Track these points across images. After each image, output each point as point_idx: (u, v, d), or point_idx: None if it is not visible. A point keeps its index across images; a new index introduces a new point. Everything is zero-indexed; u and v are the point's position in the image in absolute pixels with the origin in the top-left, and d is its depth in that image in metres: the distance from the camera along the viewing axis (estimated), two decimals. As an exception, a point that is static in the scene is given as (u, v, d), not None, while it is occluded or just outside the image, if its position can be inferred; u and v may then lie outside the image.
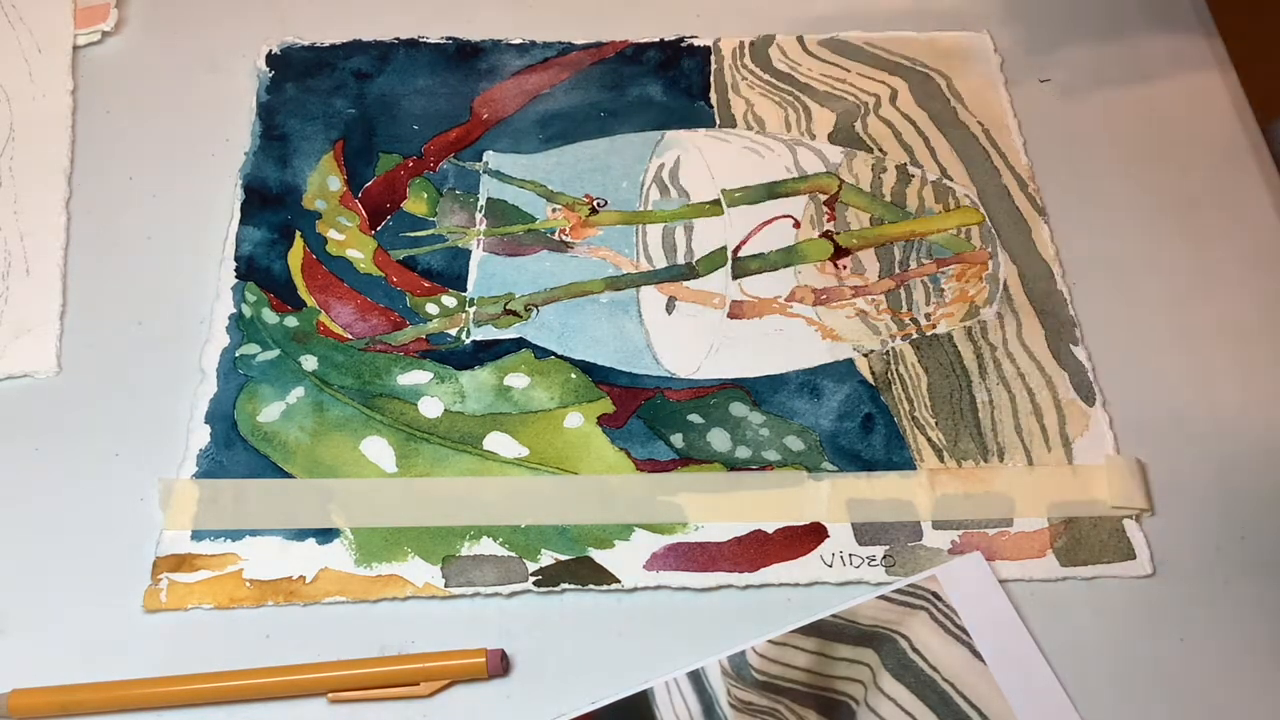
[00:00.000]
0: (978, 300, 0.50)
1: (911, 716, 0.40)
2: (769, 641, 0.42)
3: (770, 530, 0.44)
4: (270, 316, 0.50)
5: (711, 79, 0.57)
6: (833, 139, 0.55)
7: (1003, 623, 0.42)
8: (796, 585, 0.43)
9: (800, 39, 0.58)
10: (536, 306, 0.50)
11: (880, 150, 0.55)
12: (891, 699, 0.41)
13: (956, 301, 0.50)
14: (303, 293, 0.50)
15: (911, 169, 0.54)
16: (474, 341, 0.49)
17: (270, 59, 0.57)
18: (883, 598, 0.42)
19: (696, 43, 0.58)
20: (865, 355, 0.49)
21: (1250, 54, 0.58)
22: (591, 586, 0.43)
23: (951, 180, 0.54)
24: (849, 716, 0.41)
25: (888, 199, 0.53)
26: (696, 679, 0.41)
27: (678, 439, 0.46)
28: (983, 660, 0.41)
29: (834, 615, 0.42)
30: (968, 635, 0.42)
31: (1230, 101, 0.56)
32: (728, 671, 0.41)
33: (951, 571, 0.43)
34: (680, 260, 0.51)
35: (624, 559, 0.44)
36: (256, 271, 0.51)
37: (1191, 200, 0.53)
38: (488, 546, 0.44)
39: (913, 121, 0.56)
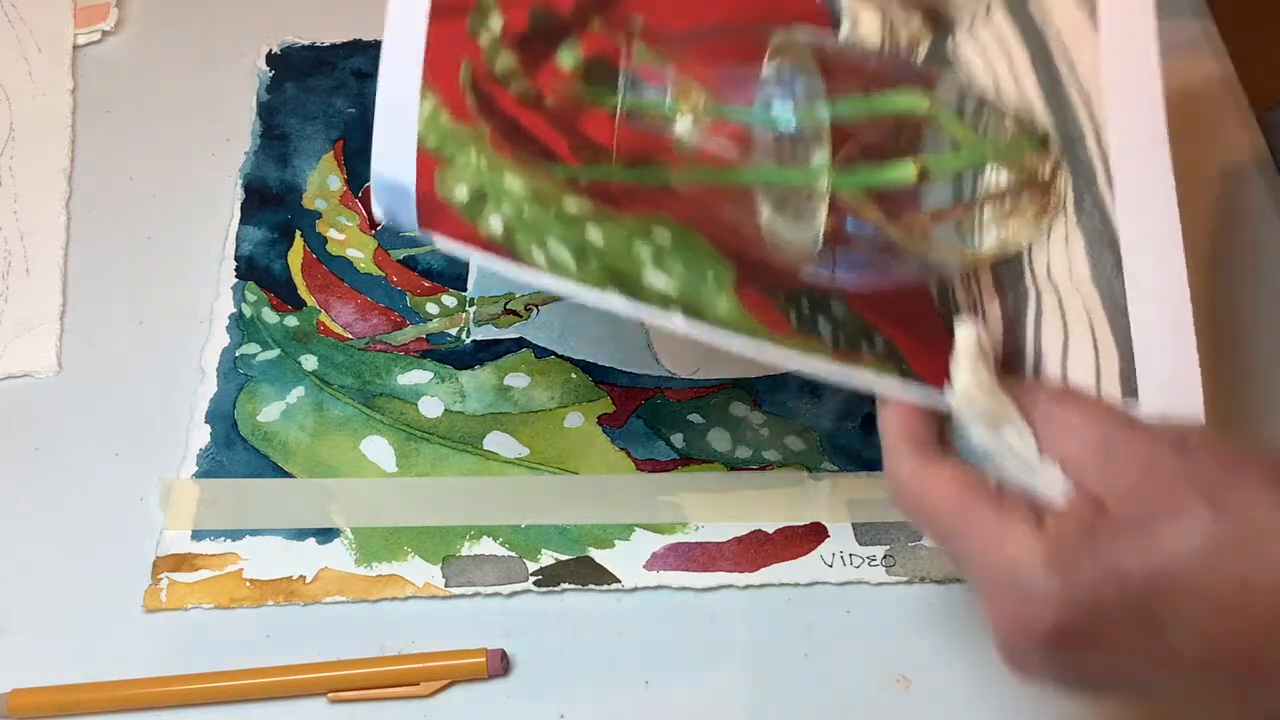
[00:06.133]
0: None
1: (1006, 50, 0.40)
2: None
3: (770, 530, 0.44)
4: (270, 316, 0.50)
5: (712, 79, 0.57)
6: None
7: (1136, 16, 0.40)
8: (797, 585, 0.43)
9: (800, 39, 0.58)
10: (537, 306, 0.50)
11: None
12: (995, 31, 0.40)
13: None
14: (303, 292, 0.50)
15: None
16: (474, 341, 0.49)
17: (270, 59, 0.57)
18: None
19: (697, 42, 0.58)
20: (865, 355, 0.49)
21: (1247, 47, 0.58)
22: (591, 586, 0.43)
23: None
24: (948, 32, 0.40)
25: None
26: None
27: (678, 439, 0.46)
28: (1097, 32, 0.40)
29: None
30: (1095, 8, 0.40)
31: (1231, 101, 0.56)
32: None
33: None
34: (680, 260, 0.51)
35: (624, 559, 0.44)
36: (256, 271, 0.51)
37: (1192, 198, 0.53)
38: (488, 546, 0.44)
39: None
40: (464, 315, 0.50)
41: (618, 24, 0.39)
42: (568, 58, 0.38)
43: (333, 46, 0.58)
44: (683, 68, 0.38)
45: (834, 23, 0.41)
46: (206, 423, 0.47)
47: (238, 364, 0.48)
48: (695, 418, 0.47)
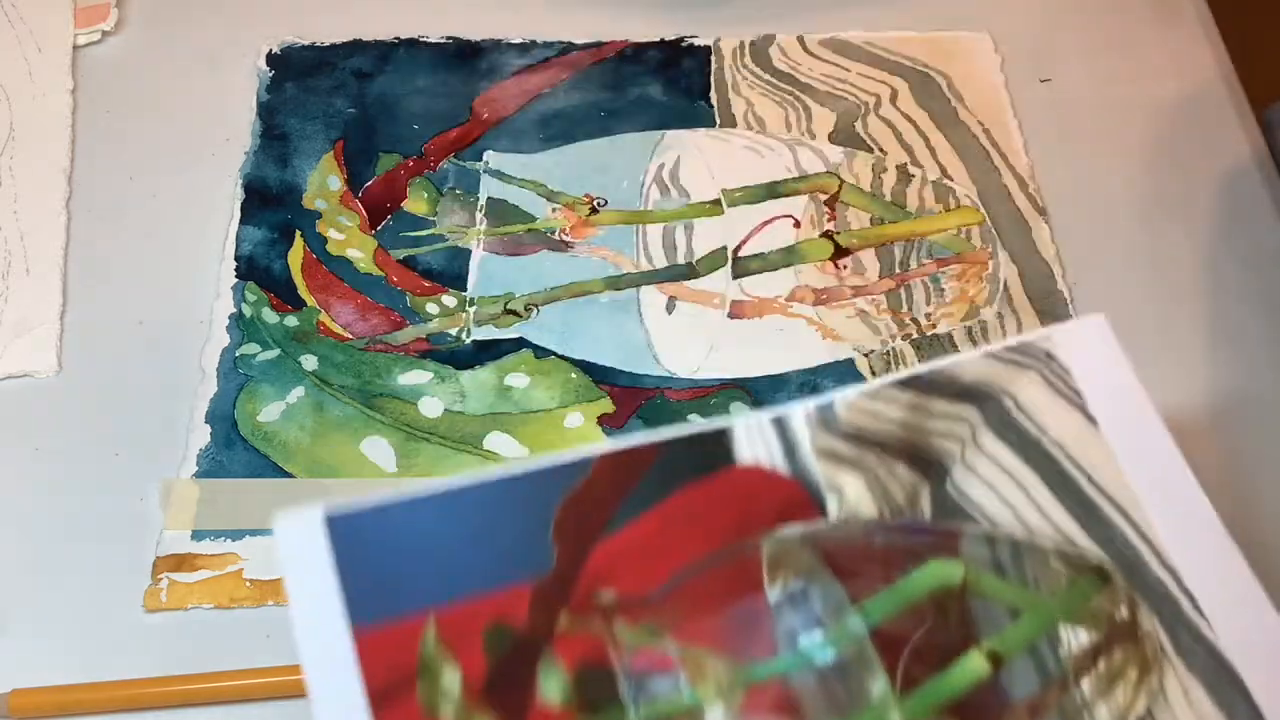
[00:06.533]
0: (978, 300, 0.50)
1: (1012, 476, 0.36)
2: (860, 394, 0.36)
3: (770, 531, 0.44)
4: (270, 316, 0.50)
5: (712, 79, 0.57)
6: (833, 139, 0.55)
7: (1122, 388, 0.36)
8: (797, 585, 0.43)
9: (800, 39, 0.58)
10: (537, 306, 0.50)
11: (880, 150, 0.55)
12: (992, 457, 0.36)
13: (957, 302, 0.50)
14: (303, 292, 0.50)
15: (912, 169, 0.54)
16: (474, 341, 0.49)
17: (270, 59, 0.57)
18: (989, 355, 0.37)
19: (696, 42, 0.58)
20: (865, 355, 0.49)
21: (1247, 47, 0.58)
22: (592, 587, 0.43)
23: (952, 180, 0.54)
24: (943, 473, 0.36)
25: (888, 199, 0.53)
26: (780, 424, 0.36)
27: (678, 440, 0.46)
28: (1096, 424, 0.36)
29: (932, 371, 0.37)
30: (1081, 398, 0.36)
31: (1231, 101, 0.56)
32: (813, 421, 0.36)
33: (1069, 333, 0.37)
34: (680, 260, 0.51)
35: (624, 560, 0.43)
36: (256, 271, 0.51)
37: (1192, 198, 0.53)
38: (488, 547, 0.44)
39: (913, 121, 0.56)
40: (464, 315, 0.50)
41: (586, 609, 0.32)
42: (552, 686, 0.31)
43: (333, 46, 0.58)
44: (680, 632, 0.32)
45: (817, 504, 0.35)
46: (206, 423, 0.47)
47: (238, 364, 0.48)
48: (695, 417, 0.47)
